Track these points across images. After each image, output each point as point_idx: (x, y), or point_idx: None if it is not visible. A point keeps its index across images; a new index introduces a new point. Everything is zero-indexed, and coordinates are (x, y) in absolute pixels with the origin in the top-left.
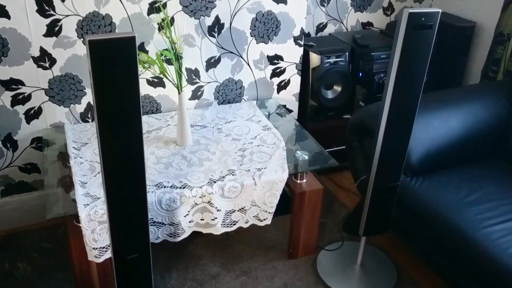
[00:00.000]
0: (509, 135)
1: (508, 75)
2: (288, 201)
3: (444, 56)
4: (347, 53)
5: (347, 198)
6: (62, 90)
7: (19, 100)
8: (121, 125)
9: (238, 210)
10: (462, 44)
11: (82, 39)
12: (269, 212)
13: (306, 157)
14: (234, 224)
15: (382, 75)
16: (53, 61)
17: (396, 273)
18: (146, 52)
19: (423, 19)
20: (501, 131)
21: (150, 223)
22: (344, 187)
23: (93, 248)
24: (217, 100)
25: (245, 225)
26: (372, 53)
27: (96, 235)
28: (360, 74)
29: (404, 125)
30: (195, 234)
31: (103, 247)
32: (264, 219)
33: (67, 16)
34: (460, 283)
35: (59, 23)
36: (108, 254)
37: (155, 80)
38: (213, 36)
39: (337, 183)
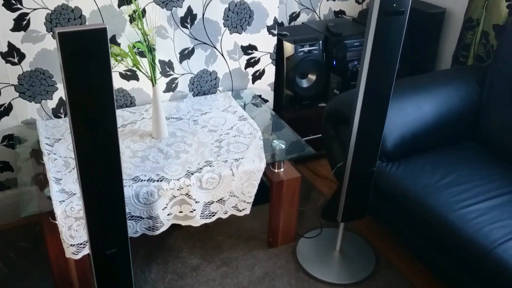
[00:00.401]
0: (481, 118)
1: (478, 59)
2: (267, 190)
3: (416, 42)
4: (320, 42)
5: (325, 185)
6: (33, 86)
7: None
8: (95, 119)
9: (216, 201)
10: (433, 30)
11: (51, 33)
12: (248, 202)
13: (283, 146)
14: (213, 216)
15: (355, 62)
16: (22, 56)
17: (374, 257)
18: (118, 44)
19: (394, 5)
20: (472, 114)
21: (128, 217)
22: (322, 175)
23: (71, 245)
24: (192, 92)
25: (224, 216)
26: (345, 41)
27: (73, 231)
28: (334, 62)
29: (379, 111)
30: (174, 226)
31: (81, 244)
32: (243, 209)
33: (35, 9)
34: (438, 264)
35: (27, 17)
36: (86, 251)
37: (128, 73)
38: (186, 27)
39: (315, 171)
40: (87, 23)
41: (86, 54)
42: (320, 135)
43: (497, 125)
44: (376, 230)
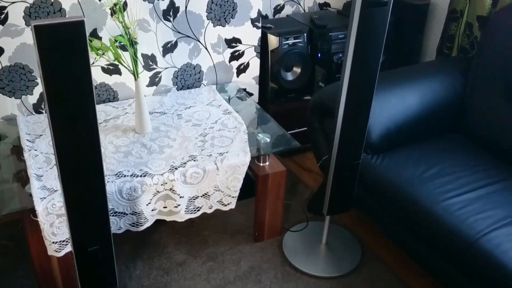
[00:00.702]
0: (465, 109)
1: (462, 51)
2: (252, 184)
3: (401, 35)
4: (305, 34)
5: (311, 179)
6: (12, 81)
7: None
8: (74, 115)
9: (201, 196)
10: (417, 22)
11: (30, 26)
12: (233, 197)
13: (268, 140)
14: (198, 210)
15: (340, 55)
16: (0, 51)
17: (360, 250)
18: (100, 38)
19: None
20: (457, 106)
21: (111, 213)
22: (307, 168)
23: (53, 242)
24: (176, 86)
25: (209, 211)
26: (330, 34)
27: (55, 228)
28: (319, 55)
29: (363, 103)
30: (159, 222)
31: (63, 241)
32: (228, 204)
33: (13, 3)
34: (423, 256)
35: (5, 11)
36: (69, 248)
37: (111, 67)
38: (169, 20)
39: (300, 165)
40: (67, 17)
41: (63, 48)
42: (306, 128)
43: (481, 117)
44: (362, 223)
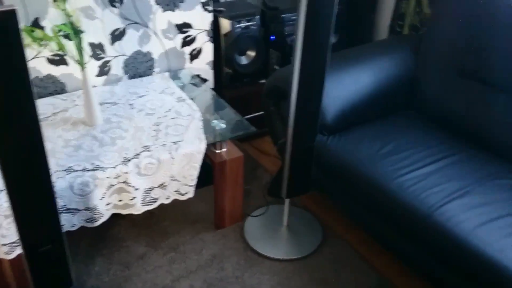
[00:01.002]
0: (417, 86)
1: (413, 28)
2: (210, 171)
3: (353, 14)
4: (257, 17)
5: (270, 162)
6: None
7: None
8: (11, 111)
9: (157, 187)
10: (369, 1)
11: None
12: (190, 185)
13: (224, 126)
14: (155, 202)
15: (293, 37)
16: None
17: (321, 230)
18: (42, 28)
19: None
20: (409, 83)
21: (64, 210)
22: (266, 152)
23: (2, 245)
24: (127, 75)
25: (167, 201)
26: (282, 15)
27: (4, 230)
28: (274, 37)
29: (316, 85)
30: (117, 215)
31: (13, 242)
32: (186, 193)
33: None
34: (382, 233)
35: None
36: (21, 249)
37: (56, 58)
38: (115, 7)
39: (259, 149)
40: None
41: None
42: (262, 112)
43: (432, 93)
44: (322, 204)
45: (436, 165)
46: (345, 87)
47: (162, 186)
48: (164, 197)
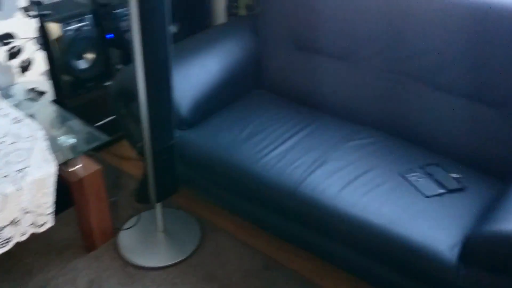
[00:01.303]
0: (262, 64)
1: (249, 8)
2: (68, 192)
3: (189, 1)
4: (89, 16)
5: (134, 167)
6: None
7: None
8: None
9: (8, 224)
10: None
11: None
12: (47, 214)
13: (73, 141)
14: (9, 242)
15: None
16: None
17: (199, 226)
18: None
19: None
20: (255, 63)
21: None
22: (127, 157)
23: None
24: None
25: (23, 238)
26: (115, 11)
27: None
28: (112, 35)
29: (164, 79)
30: None
31: None
32: (44, 223)
33: None
34: (258, 216)
35: None
36: None
37: None
38: None
39: (119, 155)
40: None
41: None
42: (114, 116)
43: (276, 69)
44: (195, 199)
45: (293, 140)
46: (194, 77)
47: (13, 222)
48: (19, 234)
